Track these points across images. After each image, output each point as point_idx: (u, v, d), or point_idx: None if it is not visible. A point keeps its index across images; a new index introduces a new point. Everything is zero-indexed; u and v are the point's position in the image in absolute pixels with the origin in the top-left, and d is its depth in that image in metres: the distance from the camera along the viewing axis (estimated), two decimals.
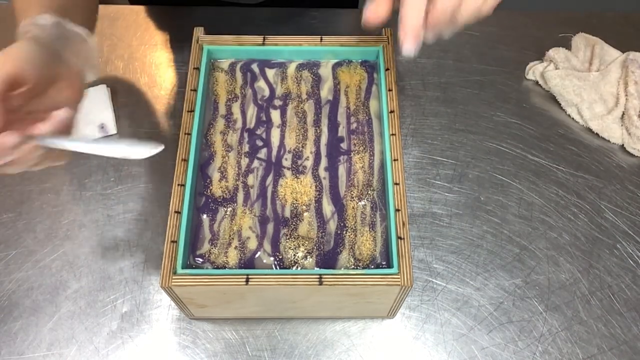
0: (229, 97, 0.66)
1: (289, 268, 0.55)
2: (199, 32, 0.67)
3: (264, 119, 0.64)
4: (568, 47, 0.83)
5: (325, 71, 0.68)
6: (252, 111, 0.65)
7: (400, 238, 0.54)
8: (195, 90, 0.63)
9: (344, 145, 0.62)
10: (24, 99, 0.47)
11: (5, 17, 0.87)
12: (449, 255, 0.68)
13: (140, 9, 0.88)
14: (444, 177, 0.73)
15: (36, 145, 0.47)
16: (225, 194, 0.59)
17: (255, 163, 0.61)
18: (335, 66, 0.68)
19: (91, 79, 0.56)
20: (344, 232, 0.57)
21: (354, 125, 0.64)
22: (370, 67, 0.68)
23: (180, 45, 0.85)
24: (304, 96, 0.66)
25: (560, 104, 0.80)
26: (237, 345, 0.62)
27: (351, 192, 0.59)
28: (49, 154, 0.49)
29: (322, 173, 0.61)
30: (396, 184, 0.57)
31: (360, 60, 0.68)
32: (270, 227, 0.57)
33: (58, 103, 0.50)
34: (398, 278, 0.52)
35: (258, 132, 0.63)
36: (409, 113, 0.78)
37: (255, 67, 0.68)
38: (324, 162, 0.61)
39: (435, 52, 0.85)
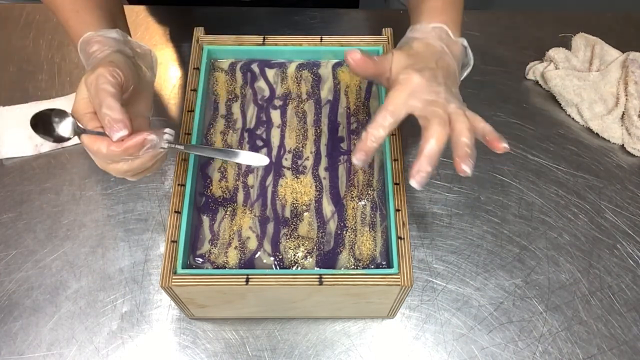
0: (229, 97, 0.66)
1: (289, 268, 0.55)
2: (199, 32, 0.67)
3: (264, 119, 0.64)
4: (568, 47, 0.83)
5: (325, 71, 0.68)
6: (252, 111, 0.65)
7: (400, 238, 0.54)
8: (195, 90, 0.63)
9: (344, 145, 0.62)
10: None
11: (6, 16, 0.87)
12: (449, 255, 0.68)
13: (140, 9, 0.88)
14: (444, 177, 0.73)
15: (161, 149, 0.49)
16: (225, 194, 0.59)
17: None
18: (335, 66, 0.68)
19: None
20: (344, 232, 0.57)
21: (354, 126, 0.64)
22: None
23: (180, 45, 0.85)
24: (304, 96, 0.66)
25: (560, 104, 0.80)
26: (237, 345, 0.62)
27: (351, 192, 0.59)
28: (157, 162, 0.51)
29: (322, 173, 0.61)
30: (396, 184, 0.57)
31: None
32: (270, 227, 0.57)
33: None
34: (398, 278, 0.52)
35: (258, 132, 0.63)
36: None
37: (255, 67, 0.68)
38: (324, 162, 0.61)
39: None
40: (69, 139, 0.49)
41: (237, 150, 0.53)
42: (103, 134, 0.46)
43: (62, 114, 0.49)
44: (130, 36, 0.59)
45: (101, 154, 0.47)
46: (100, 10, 0.56)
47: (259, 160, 0.52)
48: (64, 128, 0.49)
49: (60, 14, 0.57)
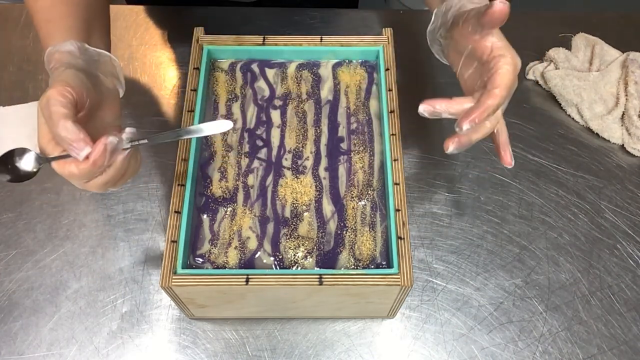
0: (229, 97, 0.66)
1: (289, 268, 0.55)
2: (199, 32, 0.67)
3: (264, 119, 0.64)
4: (568, 47, 0.83)
5: (325, 71, 0.68)
6: (252, 111, 0.65)
7: (400, 238, 0.54)
8: (195, 90, 0.63)
9: (344, 145, 0.63)
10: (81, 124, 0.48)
11: (6, 16, 0.87)
12: (449, 255, 0.68)
13: (140, 9, 0.88)
14: (444, 177, 0.73)
15: (125, 150, 0.48)
16: (225, 194, 0.59)
17: (255, 163, 0.61)
18: (335, 66, 0.68)
19: (121, 95, 0.56)
20: (344, 232, 0.57)
21: (354, 125, 0.64)
22: (370, 67, 0.68)
23: (180, 45, 0.85)
24: (304, 96, 0.66)
25: (560, 104, 0.80)
26: (237, 345, 0.62)
27: (351, 192, 0.59)
28: (131, 163, 0.50)
29: (322, 173, 0.61)
30: (396, 184, 0.57)
31: (360, 60, 0.68)
32: (270, 227, 0.57)
33: (106, 124, 0.51)
34: (398, 278, 0.52)
35: (258, 132, 0.63)
36: (409, 113, 0.78)
37: (255, 67, 0.68)
38: (324, 162, 0.61)
39: None
40: (34, 172, 0.48)
41: (198, 125, 0.52)
42: (69, 156, 0.46)
43: (22, 152, 0.48)
44: (109, 47, 0.59)
45: (74, 175, 0.47)
46: (72, 18, 0.55)
47: (222, 126, 0.51)
48: (26, 164, 0.48)
49: (35, 22, 0.56)
